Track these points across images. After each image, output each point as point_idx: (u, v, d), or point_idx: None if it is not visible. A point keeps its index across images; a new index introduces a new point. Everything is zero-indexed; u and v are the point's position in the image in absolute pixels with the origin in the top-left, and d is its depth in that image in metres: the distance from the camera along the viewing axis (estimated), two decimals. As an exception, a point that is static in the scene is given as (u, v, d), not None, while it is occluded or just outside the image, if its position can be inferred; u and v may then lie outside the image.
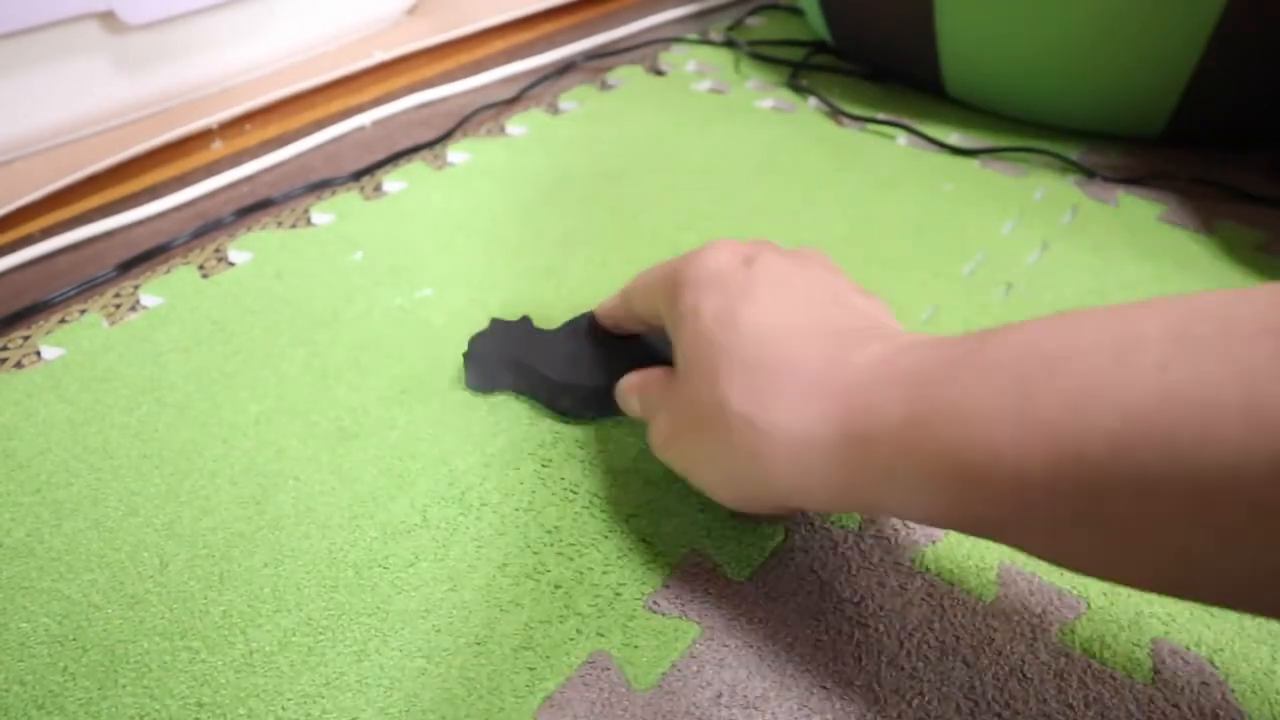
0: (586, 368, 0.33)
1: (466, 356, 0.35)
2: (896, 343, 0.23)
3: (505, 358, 0.34)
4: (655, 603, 0.28)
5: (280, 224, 0.48)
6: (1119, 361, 0.17)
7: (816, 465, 0.22)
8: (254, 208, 0.50)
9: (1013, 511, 0.19)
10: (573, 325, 0.35)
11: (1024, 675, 0.26)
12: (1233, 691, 0.25)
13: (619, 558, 0.29)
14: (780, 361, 0.23)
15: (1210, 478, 0.15)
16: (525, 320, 0.36)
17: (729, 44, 0.69)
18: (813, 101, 0.60)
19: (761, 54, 0.66)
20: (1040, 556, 0.19)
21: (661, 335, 0.32)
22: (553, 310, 0.40)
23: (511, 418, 0.35)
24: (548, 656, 0.27)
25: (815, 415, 0.22)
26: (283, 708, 0.25)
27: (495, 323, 0.36)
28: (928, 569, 0.29)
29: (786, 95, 0.61)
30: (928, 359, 0.21)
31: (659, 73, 0.65)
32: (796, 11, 0.75)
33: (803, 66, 0.64)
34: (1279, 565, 0.15)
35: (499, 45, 0.71)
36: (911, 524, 0.30)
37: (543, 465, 0.33)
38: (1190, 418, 0.15)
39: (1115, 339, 0.17)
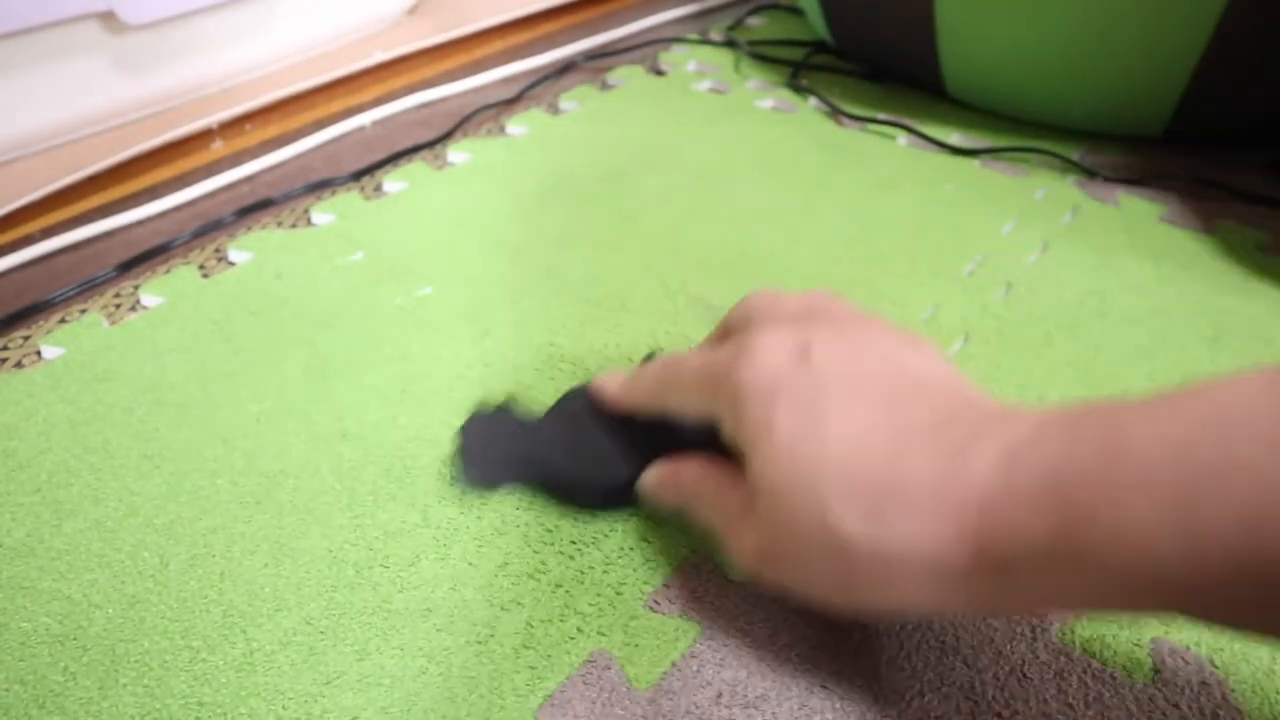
0: (605, 459, 0.30)
1: (459, 453, 0.32)
2: (1010, 437, 0.20)
3: (503, 452, 0.32)
4: (656, 602, 0.28)
5: (280, 224, 0.48)
6: None
7: (955, 587, 0.21)
8: (254, 208, 0.50)
9: (1184, 607, 0.18)
10: (569, 406, 0.32)
11: (1024, 675, 0.26)
12: (1233, 691, 0.25)
13: (620, 557, 0.29)
14: (891, 478, 0.21)
15: None
16: (510, 404, 0.33)
17: (729, 44, 0.69)
18: (813, 101, 0.60)
19: (761, 54, 0.66)
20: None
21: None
22: (557, 310, 0.40)
23: (512, 417, 0.35)
24: (548, 655, 0.27)
25: (948, 537, 0.20)
26: (283, 707, 0.25)
27: (481, 414, 0.33)
28: (928, 569, 0.29)
29: (786, 95, 0.61)
30: (1059, 464, 0.19)
31: (659, 73, 0.65)
32: (796, 11, 0.75)
33: (803, 66, 0.64)
34: None
35: (499, 45, 0.71)
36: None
37: (543, 465, 0.33)
38: None
39: (1276, 445, 0.17)
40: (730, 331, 0.29)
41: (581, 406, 0.32)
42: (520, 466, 0.31)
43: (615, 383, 0.31)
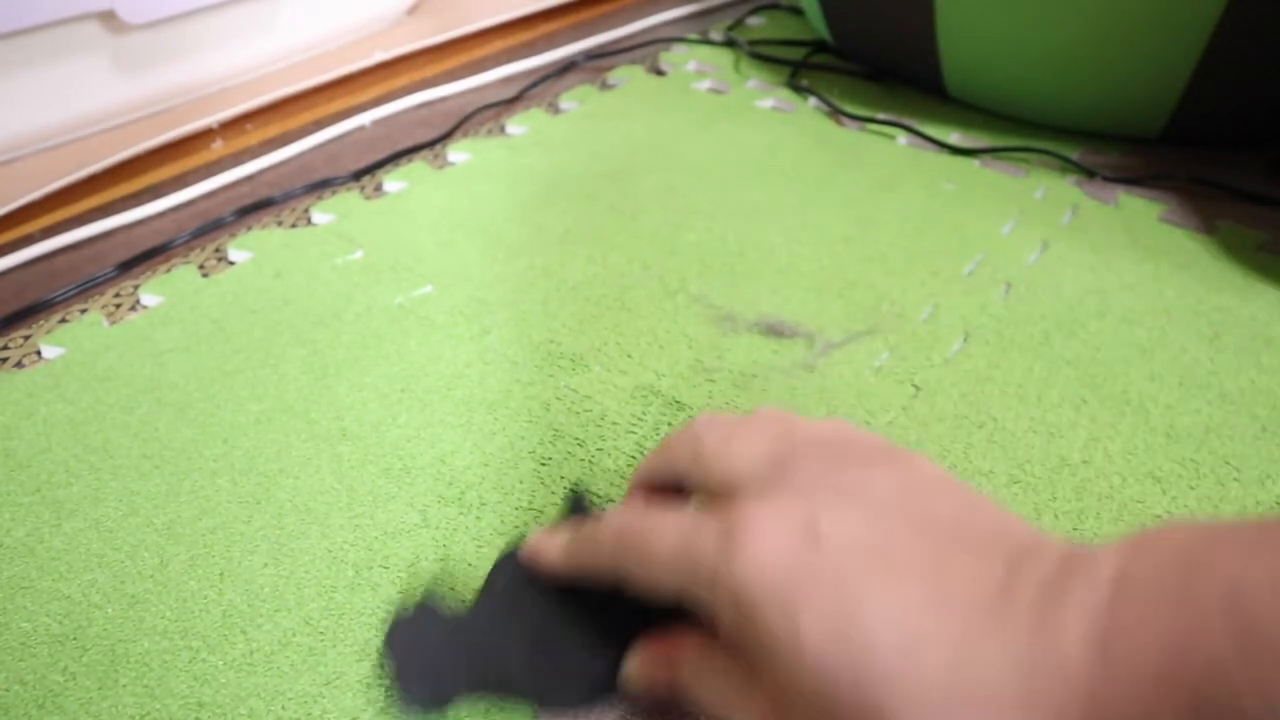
0: (572, 650, 0.25)
1: (393, 671, 0.25)
2: (1092, 602, 0.17)
3: (447, 660, 0.25)
4: (655, 602, 0.28)
5: (280, 223, 0.48)
6: None
7: None
8: (254, 207, 0.50)
9: None
10: (503, 584, 0.26)
11: (1024, 675, 0.26)
12: (1232, 691, 0.25)
13: (619, 557, 0.29)
14: (964, 682, 0.17)
15: None
16: (434, 597, 0.27)
17: (729, 44, 0.69)
18: (813, 101, 0.60)
19: (761, 54, 0.66)
20: None
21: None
22: (557, 309, 0.40)
23: (510, 417, 0.35)
24: (547, 656, 0.27)
25: None
26: (283, 707, 0.25)
27: (404, 618, 0.26)
28: (927, 568, 0.29)
29: (786, 95, 0.61)
30: (1173, 642, 0.15)
31: (659, 73, 0.65)
32: (796, 11, 0.75)
33: (803, 66, 0.64)
34: None
35: (499, 45, 0.71)
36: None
37: (541, 464, 0.33)
38: None
39: None
40: (680, 475, 0.25)
41: (517, 581, 0.26)
42: (473, 674, 0.25)
43: (554, 547, 0.25)
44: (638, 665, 0.24)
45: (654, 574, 0.22)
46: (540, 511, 0.31)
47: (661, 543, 0.22)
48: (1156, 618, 0.16)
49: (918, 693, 0.17)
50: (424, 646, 0.26)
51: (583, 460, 0.33)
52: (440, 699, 0.25)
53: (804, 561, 0.19)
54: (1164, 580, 0.16)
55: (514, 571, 0.26)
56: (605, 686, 0.24)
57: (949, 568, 0.19)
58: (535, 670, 0.25)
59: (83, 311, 0.42)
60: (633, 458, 0.33)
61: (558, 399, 0.36)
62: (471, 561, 0.29)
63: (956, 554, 0.19)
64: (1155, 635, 0.15)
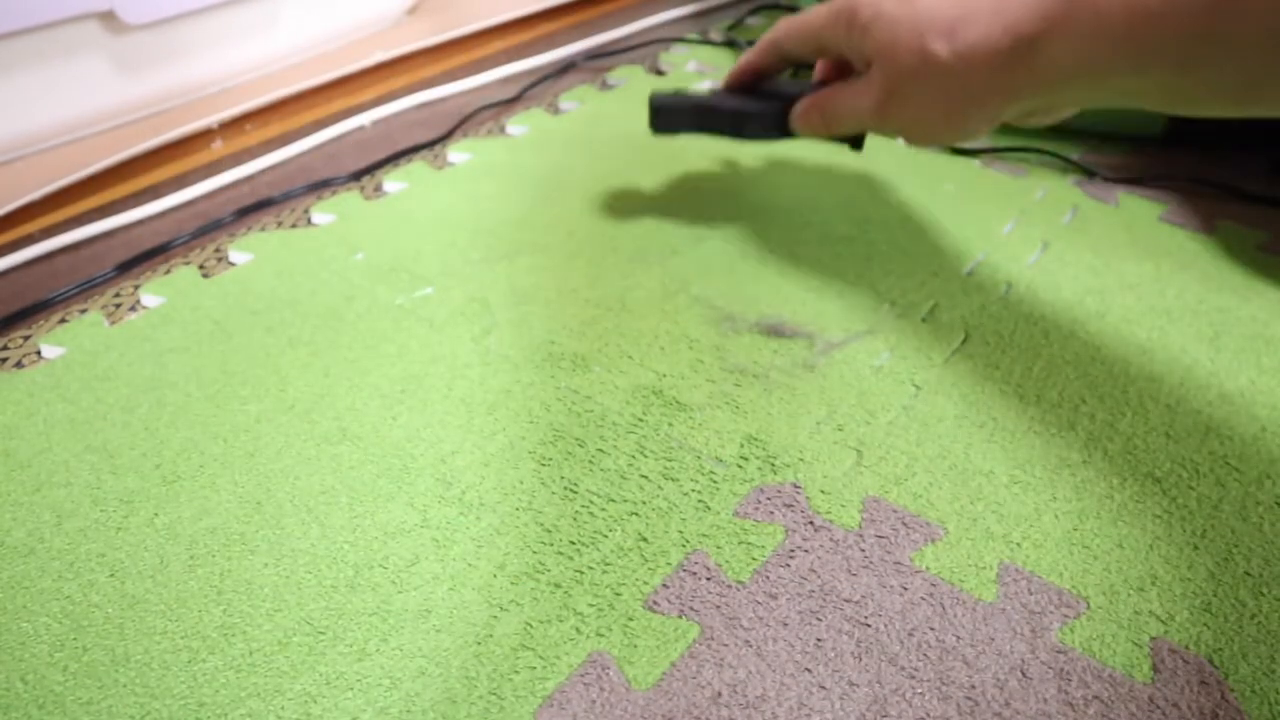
0: (760, 101, 0.43)
1: (654, 107, 0.44)
2: None
3: (687, 107, 0.44)
4: (655, 602, 0.28)
5: (280, 224, 0.48)
6: None
7: (1007, 72, 0.30)
8: (254, 208, 0.50)
9: (1160, 55, 0.27)
10: (716, 92, 0.44)
11: (1024, 675, 0.26)
12: (1233, 691, 0.25)
13: (618, 557, 0.29)
14: (964, 10, 0.31)
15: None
16: (681, 90, 0.45)
17: (729, 44, 0.69)
18: (813, 101, 0.60)
19: (761, 54, 0.66)
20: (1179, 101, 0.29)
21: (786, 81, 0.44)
22: (558, 309, 0.40)
23: (510, 417, 0.35)
24: (547, 656, 0.27)
25: (998, 33, 0.30)
26: (282, 707, 0.25)
27: (662, 92, 0.45)
28: (928, 569, 0.29)
29: (786, 95, 0.61)
30: None
31: (659, 73, 0.65)
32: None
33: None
34: None
35: (499, 45, 0.71)
36: (911, 524, 0.30)
37: (541, 464, 0.33)
38: None
39: None
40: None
41: (715, 91, 0.44)
42: (698, 118, 0.44)
43: (741, 61, 0.43)
44: (798, 108, 0.40)
45: (806, 40, 0.39)
46: (540, 512, 0.31)
47: (804, 23, 0.39)
48: None
49: (935, 22, 0.32)
50: (675, 100, 0.44)
51: (583, 460, 0.33)
52: (672, 128, 0.45)
53: None
54: None
55: (722, 87, 0.44)
56: (780, 123, 0.42)
57: None
58: (742, 110, 0.43)
59: (83, 311, 0.42)
60: (633, 458, 0.33)
61: (558, 399, 0.36)
62: (472, 563, 0.29)
63: None
64: None
